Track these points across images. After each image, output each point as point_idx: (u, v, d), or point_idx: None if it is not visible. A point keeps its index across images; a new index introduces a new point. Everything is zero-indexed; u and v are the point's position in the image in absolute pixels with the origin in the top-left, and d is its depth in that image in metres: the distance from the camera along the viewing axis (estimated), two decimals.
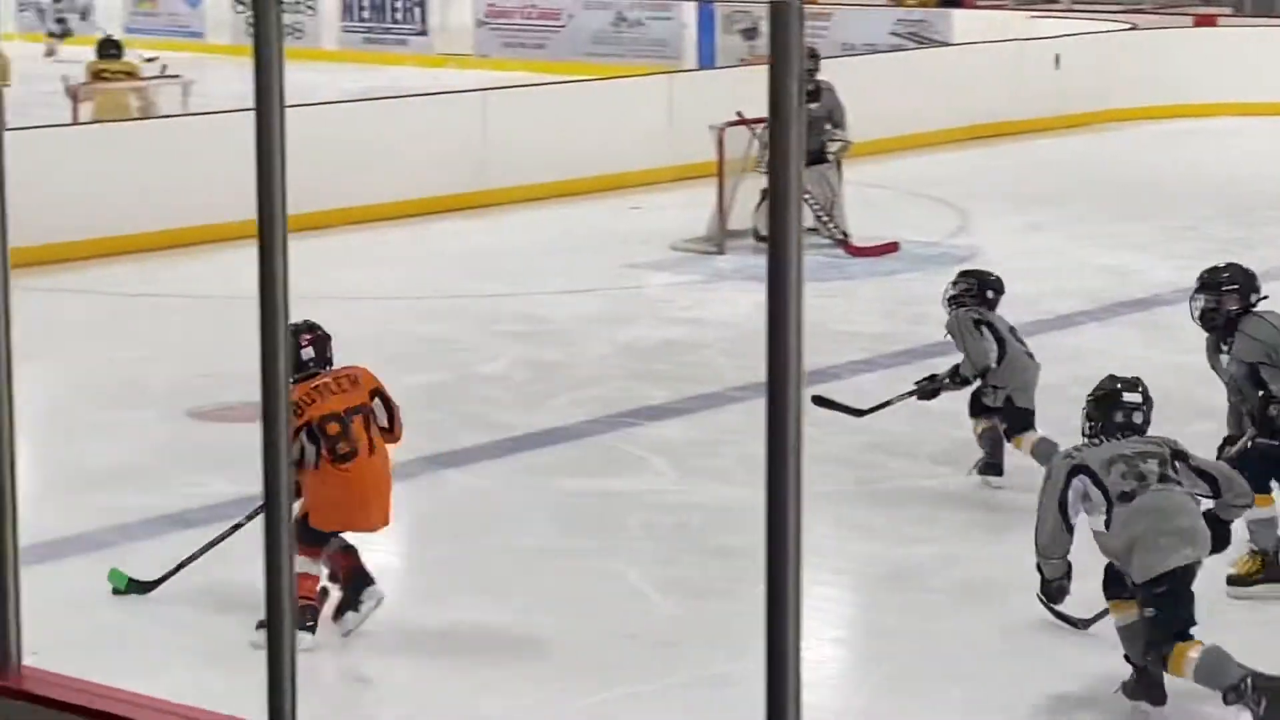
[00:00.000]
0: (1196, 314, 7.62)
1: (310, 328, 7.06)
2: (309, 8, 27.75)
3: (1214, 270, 7.68)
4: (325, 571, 6.85)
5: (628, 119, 16.77)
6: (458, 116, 16.02)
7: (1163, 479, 6.25)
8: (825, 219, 13.18)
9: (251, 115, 2.60)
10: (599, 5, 26.99)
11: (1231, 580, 7.16)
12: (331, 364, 7.04)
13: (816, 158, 13.03)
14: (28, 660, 3.53)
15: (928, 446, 9.02)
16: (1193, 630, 6.08)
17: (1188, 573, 6.15)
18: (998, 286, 8.69)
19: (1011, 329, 8.60)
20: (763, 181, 13.68)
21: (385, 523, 6.93)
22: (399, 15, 28.33)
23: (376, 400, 6.98)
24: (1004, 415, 8.38)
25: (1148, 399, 6.59)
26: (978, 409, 8.52)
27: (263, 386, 2.80)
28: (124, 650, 6.71)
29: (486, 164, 15.67)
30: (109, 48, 18.75)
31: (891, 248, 13.32)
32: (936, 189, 14.46)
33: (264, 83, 3.12)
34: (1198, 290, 7.64)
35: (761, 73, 2.29)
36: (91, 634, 6.76)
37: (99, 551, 7.65)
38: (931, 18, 24.42)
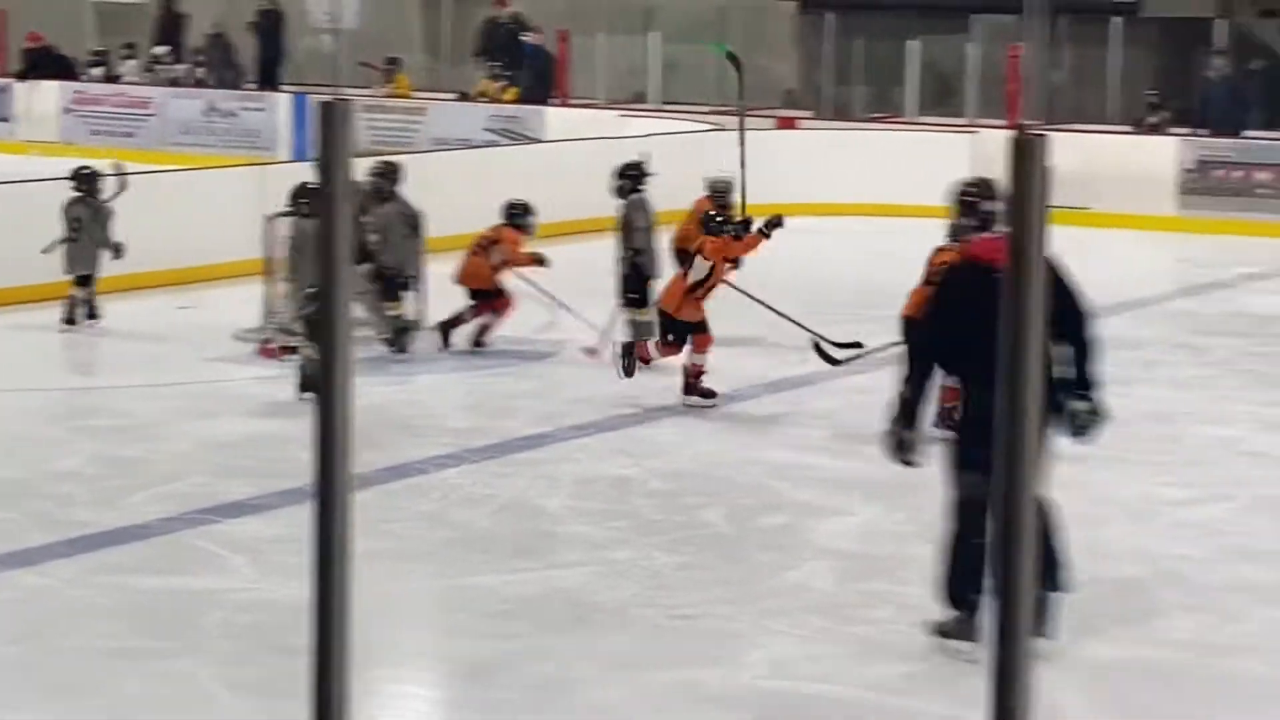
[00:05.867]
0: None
1: None
2: None
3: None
4: None
5: (217, 209, 16.56)
6: (39, 205, 15.58)
7: None
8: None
9: None
10: (190, 95, 26.66)
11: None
12: None
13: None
14: None
15: (509, 542, 9.07)
16: None
17: None
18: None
19: None
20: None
21: None
22: None
23: None
24: None
25: None
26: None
27: None
28: None
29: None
30: None
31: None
32: (523, 285, 14.50)
33: None
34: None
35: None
36: None
37: None
38: (525, 114, 24.72)
